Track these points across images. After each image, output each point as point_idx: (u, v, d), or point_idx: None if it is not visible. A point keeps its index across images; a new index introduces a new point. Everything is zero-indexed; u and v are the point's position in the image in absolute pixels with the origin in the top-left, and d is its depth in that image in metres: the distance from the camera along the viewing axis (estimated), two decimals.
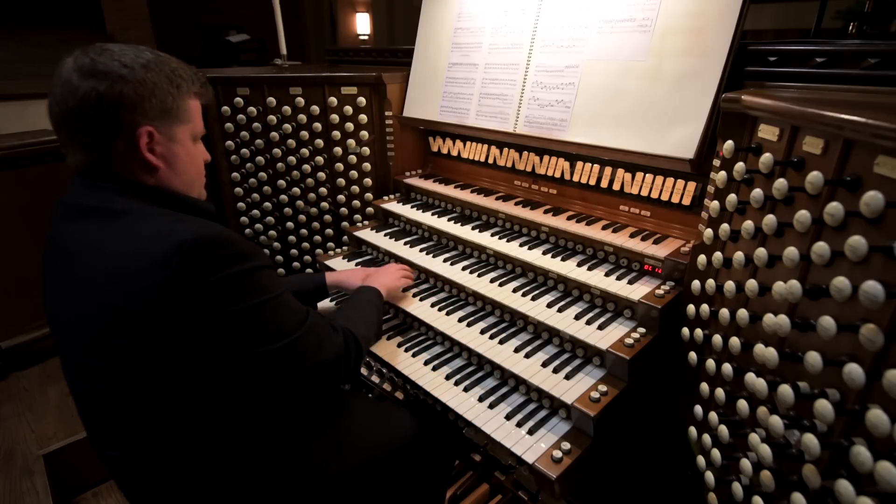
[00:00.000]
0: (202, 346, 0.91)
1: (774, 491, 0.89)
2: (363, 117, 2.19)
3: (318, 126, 2.21)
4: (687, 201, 1.54)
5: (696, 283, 1.29)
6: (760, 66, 1.38)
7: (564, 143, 1.72)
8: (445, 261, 1.84)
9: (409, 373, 1.52)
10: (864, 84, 1.20)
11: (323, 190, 2.31)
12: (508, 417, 1.32)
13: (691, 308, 1.27)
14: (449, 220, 1.99)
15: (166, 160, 1.03)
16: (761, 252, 0.97)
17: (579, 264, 1.61)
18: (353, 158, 2.25)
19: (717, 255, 1.17)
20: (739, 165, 1.11)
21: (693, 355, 1.24)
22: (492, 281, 1.69)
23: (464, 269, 1.77)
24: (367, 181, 2.28)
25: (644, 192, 1.64)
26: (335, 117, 2.18)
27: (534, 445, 1.23)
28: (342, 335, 1.17)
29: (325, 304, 1.88)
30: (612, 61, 1.60)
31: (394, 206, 2.17)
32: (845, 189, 0.82)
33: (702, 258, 1.26)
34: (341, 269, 1.92)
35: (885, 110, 0.84)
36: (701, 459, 1.18)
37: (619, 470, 1.49)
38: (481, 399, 1.39)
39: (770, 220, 0.96)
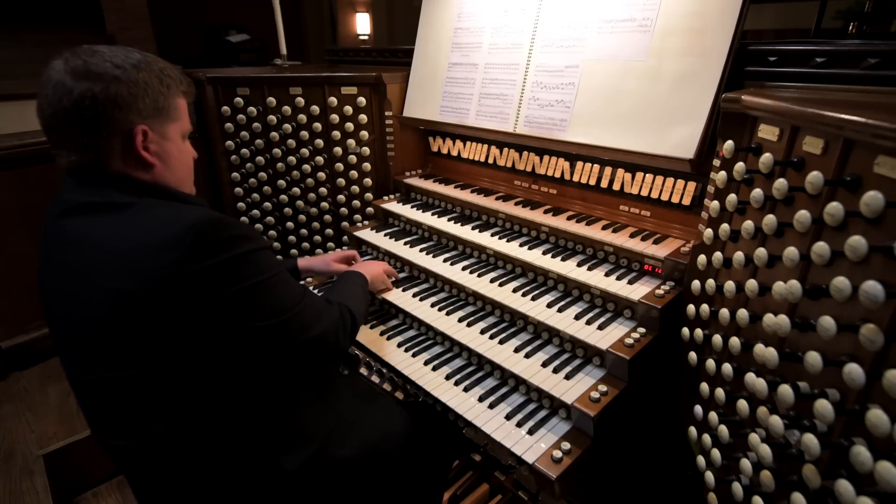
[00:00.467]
0: (211, 323, 0.95)
1: (774, 491, 0.89)
2: (363, 117, 2.19)
3: (318, 126, 2.21)
4: (687, 201, 1.54)
5: (696, 283, 1.29)
6: (760, 66, 1.38)
7: (564, 143, 1.72)
8: (445, 261, 1.84)
9: (409, 373, 1.52)
10: (864, 84, 1.20)
11: (323, 190, 2.31)
12: (508, 417, 1.32)
13: (691, 308, 1.27)
14: (449, 220, 1.99)
15: (160, 157, 1.06)
16: (761, 252, 0.97)
17: (579, 264, 1.61)
18: (353, 158, 2.25)
19: (717, 255, 1.17)
20: (739, 165, 1.11)
21: (693, 355, 1.24)
22: (492, 281, 1.69)
23: (464, 269, 1.77)
24: (367, 181, 2.28)
25: (644, 192, 1.64)
26: (335, 117, 2.18)
27: (534, 445, 1.23)
28: (337, 308, 1.25)
29: None
30: (612, 61, 1.60)
31: (394, 206, 2.17)
32: (845, 189, 0.82)
33: (702, 258, 1.26)
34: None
35: (885, 110, 0.84)
36: (701, 459, 1.18)
37: (619, 470, 1.49)
38: (481, 399, 1.39)
39: (770, 220, 0.96)
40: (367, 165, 2.25)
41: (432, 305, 1.71)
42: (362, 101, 2.17)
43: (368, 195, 2.30)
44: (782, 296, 0.90)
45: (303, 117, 2.20)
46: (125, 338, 0.93)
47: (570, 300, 1.56)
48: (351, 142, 2.22)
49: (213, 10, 7.60)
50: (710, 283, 1.22)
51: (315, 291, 1.91)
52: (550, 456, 1.19)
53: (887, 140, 0.73)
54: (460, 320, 1.62)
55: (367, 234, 2.12)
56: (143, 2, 5.49)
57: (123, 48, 1.04)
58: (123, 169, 1.02)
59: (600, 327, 1.42)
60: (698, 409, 1.21)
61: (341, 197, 2.30)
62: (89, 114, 0.95)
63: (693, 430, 1.23)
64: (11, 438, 2.15)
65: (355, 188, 2.30)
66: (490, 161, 2.09)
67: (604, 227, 1.67)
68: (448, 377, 1.48)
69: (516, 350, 1.47)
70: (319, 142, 2.22)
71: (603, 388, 1.29)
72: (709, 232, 1.24)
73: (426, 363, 1.55)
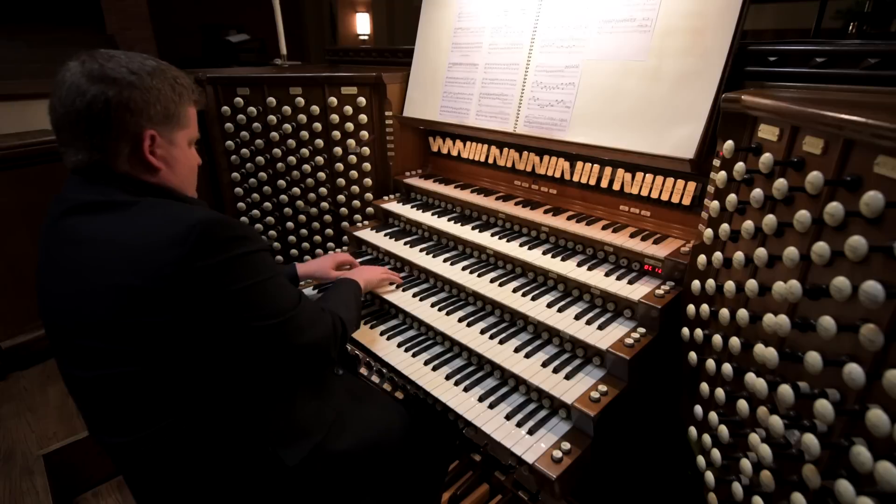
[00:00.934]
0: (211, 320, 0.96)
1: (774, 491, 0.89)
2: (363, 117, 2.19)
3: (318, 126, 2.21)
4: (687, 201, 1.54)
5: (696, 283, 1.29)
6: (760, 66, 1.38)
7: (564, 143, 1.72)
8: (445, 261, 1.84)
9: (410, 373, 1.52)
10: (864, 84, 1.20)
11: (323, 190, 2.31)
12: (508, 417, 1.32)
13: (691, 308, 1.27)
14: (449, 220, 1.99)
15: (166, 162, 1.08)
16: (761, 252, 0.97)
17: (579, 264, 1.61)
18: (353, 158, 2.25)
19: (717, 255, 1.17)
20: (739, 165, 1.11)
21: (693, 355, 1.24)
22: (492, 281, 1.69)
23: (464, 269, 1.77)
24: (367, 181, 2.28)
25: (644, 192, 1.64)
26: (335, 117, 2.18)
27: (534, 445, 1.23)
28: (330, 317, 1.26)
29: (308, 291, 1.91)
30: (612, 61, 1.60)
31: (394, 206, 2.17)
32: (845, 189, 0.82)
33: (702, 258, 1.26)
34: None
35: (885, 110, 0.84)
36: (701, 459, 1.18)
37: (619, 470, 1.49)
38: (481, 399, 1.39)
39: (770, 220, 0.96)
40: (367, 165, 2.25)
41: (432, 305, 1.71)
42: (362, 101, 2.17)
43: (368, 195, 2.30)
44: (782, 296, 0.90)
45: (303, 117, 2.20)
46: (128, 333, 0.94)
47: (570, 300, 1.56)
48: (351, 142, 2.22)
49: (213, 10, 7.61)
50: (710, 283, 1.22)
51: (313, 291, 1.92)
52: (550, 456, 1.19)
53: (887, 140, 0.73)
54: (460, 320, 1.62)
55: (367, 234, 2.12)
56: (143, 2, 5.50)
57: (139, 55, 1.06)
58: (129, 170, 1.04)
59: (600, 327, 1.42)
60: (698, 408, 1.21)
61: (341, 197, 2.30)
62: (101, 116, 0.97)
63: (693, 430, 1.23)
64: (11, 438, 2.15)
65: (355, 188, 2.30)
66: (490, 161, 2.09)
67: (604, 227, 1.67)
68: (448, 377, 1.48)
69: (516, 350, 1.47)
70: (319, 142, 2.22)
71: (603, 388, 1.29)
72: (709, 232, 1.24)
73: (426, 363, 1.55)
